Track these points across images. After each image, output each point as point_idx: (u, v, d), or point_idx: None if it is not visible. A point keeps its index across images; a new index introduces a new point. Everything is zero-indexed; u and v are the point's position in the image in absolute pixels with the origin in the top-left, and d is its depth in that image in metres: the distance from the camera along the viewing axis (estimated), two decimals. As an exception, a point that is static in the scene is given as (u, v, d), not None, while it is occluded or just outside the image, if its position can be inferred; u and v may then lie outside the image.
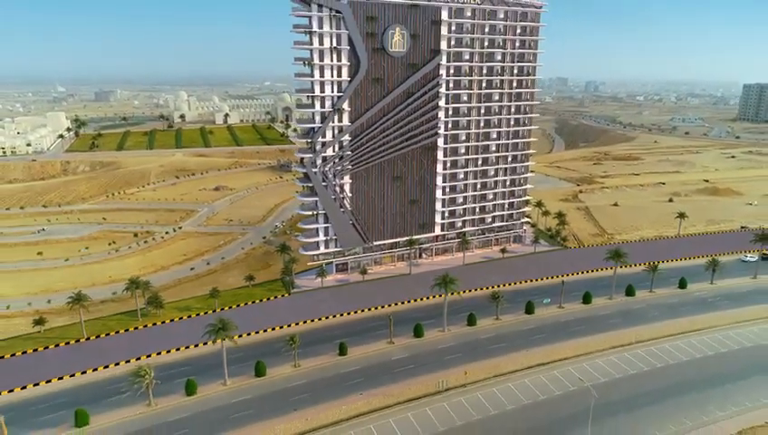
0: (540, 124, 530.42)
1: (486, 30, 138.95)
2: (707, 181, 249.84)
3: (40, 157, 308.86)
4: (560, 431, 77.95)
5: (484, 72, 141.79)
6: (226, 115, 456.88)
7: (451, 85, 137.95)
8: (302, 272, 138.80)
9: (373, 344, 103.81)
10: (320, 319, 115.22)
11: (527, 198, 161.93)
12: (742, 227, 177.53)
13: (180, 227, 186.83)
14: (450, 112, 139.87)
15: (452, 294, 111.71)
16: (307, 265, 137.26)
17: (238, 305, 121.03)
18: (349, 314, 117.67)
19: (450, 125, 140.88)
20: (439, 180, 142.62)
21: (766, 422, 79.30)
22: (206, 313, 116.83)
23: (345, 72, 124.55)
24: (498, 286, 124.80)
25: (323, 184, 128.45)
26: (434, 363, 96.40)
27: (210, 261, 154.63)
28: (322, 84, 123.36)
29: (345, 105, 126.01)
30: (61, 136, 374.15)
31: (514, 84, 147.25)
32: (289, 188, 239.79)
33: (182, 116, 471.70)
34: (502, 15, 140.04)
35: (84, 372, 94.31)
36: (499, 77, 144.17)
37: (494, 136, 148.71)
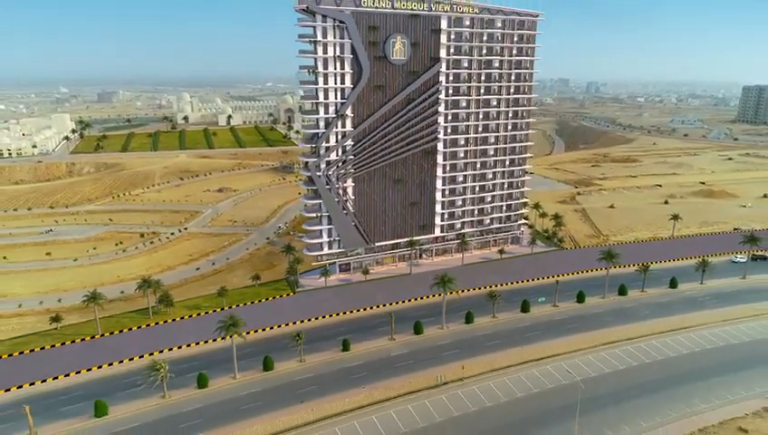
0: (540, 126, 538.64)
1: (485, 38, 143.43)
2: (703, 183, 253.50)
3: (45, 158, 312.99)
4: (551, 422, 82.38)
5: (483, 78, 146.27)
6: (229, 117, 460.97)
7: (450, 91, 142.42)
8: (306, 272, 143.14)
9: (375, 341, 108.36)
10: (324, 317, 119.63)
11: (524, 200, 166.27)
12: (735, 229, 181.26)
13: (185, 228, 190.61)
14: (449, 118, 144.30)
15: (450, 293, 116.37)
16: (311, 266, 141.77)
17: (245, 304, 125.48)
18: (351, 312, 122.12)
19: (449, 130, 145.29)
20: (439, 183, 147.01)
21: (746, 414, 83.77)
22: (214, 311, 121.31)
23: (348, 79, 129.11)
24: (495, 286, 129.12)
25: (327, 187, 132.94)
26: (433, 359, 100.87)
27: (215, 261, 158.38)
28: (326, 91, 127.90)
29: (348, 111, 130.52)
30: (66, 138, 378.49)
31: (512, 90, 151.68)
32: (291, 190, 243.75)
33: (185, 117, 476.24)
34: (499, 24, 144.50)
35: (101, 367, 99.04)
36: (497, 83, 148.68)
37: (492, 140, 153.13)
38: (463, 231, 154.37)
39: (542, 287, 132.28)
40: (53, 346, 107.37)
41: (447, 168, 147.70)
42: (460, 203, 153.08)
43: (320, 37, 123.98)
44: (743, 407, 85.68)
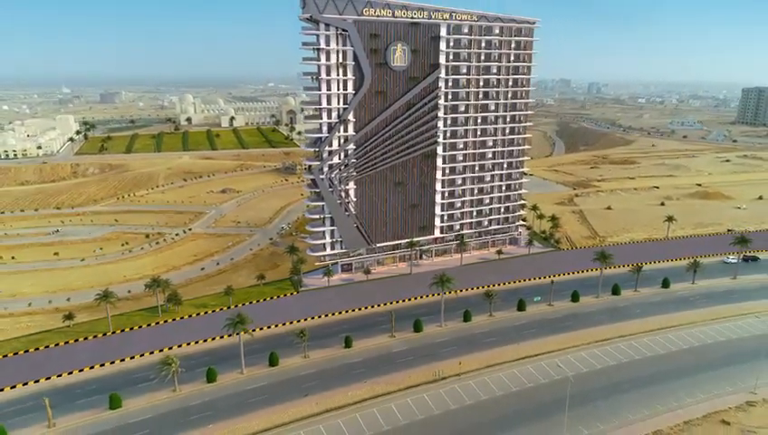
0: (541, 127, 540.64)
1: (483, 45, 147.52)
2: (700, 185, 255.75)
3: (50, 159, 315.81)
4: (543, 414, 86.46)
5: (481, 84, 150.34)
6: (232, 118, 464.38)
7: (449, 97, 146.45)
8: (309, 272, 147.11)
9: (376, 338, 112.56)
10: (327, 315, 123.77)
11: (522, 202, 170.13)
12: (728, 231, 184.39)
13: (190, 229, 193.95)
14: (448, 122, 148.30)
15: (449, 292, 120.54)
16: (314, 266, 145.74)
17: (251, 302, 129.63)
18: (353, 310, 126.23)
19: (449, 134, 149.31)
20: (438, 186, 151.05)
21: (729, 407, 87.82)
22: (221, 309, 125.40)
23: (350, 85, 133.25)
24: (493, 286, 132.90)
25: (330, 190, 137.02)
26: (431, 355, 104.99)
27: (220, 261, 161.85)
28: (329, 97, 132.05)
29: (350, 116, 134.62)
30: (71, 139, 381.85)
31: (509, 95, 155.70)
32: (294, 191, 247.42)
33: (188, 119, 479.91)
34: (497, 31, 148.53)
35: (113, 362, 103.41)
36: (495, 89, 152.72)
37: (490, 144, 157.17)
38: (462, 232, 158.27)
39: (539, 287, 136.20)
40: (67, 343, 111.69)
41: (447, 171, 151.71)
42: (459, 205, 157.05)
43: (323, 45, 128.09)
44: (727, 401, 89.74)
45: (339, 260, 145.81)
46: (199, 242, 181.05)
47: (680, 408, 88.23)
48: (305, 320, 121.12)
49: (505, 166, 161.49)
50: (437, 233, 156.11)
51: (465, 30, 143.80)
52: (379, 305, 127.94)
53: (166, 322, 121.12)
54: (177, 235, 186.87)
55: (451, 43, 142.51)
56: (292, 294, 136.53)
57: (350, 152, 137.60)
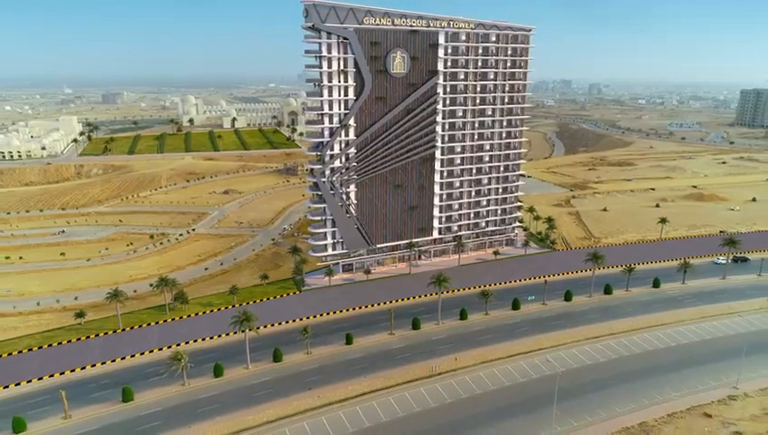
0: (541, 128, 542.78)
1: (480, 52, 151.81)
2: (695, 187, 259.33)
3: (54, 160, 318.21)
4: (534, 407, 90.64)
5: (478, 89, 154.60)
6: (234, 119, 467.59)
7: (447, 102, 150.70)
8: (311, 272, 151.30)
9: (376, 335, 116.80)
10: (328, 313, 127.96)
11: (518, 204, 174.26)
12: (721, 232, 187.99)
13: (193, 229, 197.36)
14: (446, 126, 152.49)
15: (446, 291, 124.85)
16: (316, 266, 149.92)
17: (255, 301, 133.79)
18: (354, 309, 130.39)
19: (446, 138, 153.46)
20: (437, 188, 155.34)
21: (712, 401, 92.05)
22: (226, 308, 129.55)
23: (351, 91, 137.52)
24: (489, 285, 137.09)
25: (331, 192, 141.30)
26: (429, 352, 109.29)
27: (223, 261, 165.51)
28: (331, 103, 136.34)
29: (351, 121, 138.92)
30: (74, 140, 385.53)
31: (506, 100, 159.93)
32: (295, 192, 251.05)
33: (191, 120, 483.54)
34: (494, 38, 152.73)
35: (124, 358, 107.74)
36: (491, 94, 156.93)
37: (487, 147, 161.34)
38: (459, 234, 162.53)
39: (533, 287, 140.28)
40: (79, 339, 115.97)
41: (445, 174, 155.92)
42: (457, 207, 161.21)
43: (325, 53, 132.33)
44: (710, 395, 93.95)
45: (340, 260, 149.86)
46: (203, 242, 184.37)
47: (665, 401, 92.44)
48: (308, 318, 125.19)
49: (502, 169, 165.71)
50: (436, 234, 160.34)
51: (463, 37, 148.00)
52: (378, 304, 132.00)
53: (173, 320, 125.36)
54: (180, 235, 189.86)
55: (449, 51, 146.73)
56: (294, 293, 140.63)
57: (351, 156, 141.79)
